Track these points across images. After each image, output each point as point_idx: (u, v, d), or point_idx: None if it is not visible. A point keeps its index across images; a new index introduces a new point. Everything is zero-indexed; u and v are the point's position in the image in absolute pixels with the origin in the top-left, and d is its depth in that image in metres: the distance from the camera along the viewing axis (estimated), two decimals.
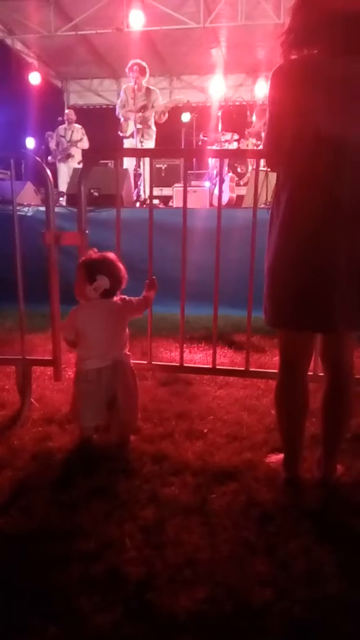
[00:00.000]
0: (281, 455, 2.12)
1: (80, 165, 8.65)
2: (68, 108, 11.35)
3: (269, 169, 2.51)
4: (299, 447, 2.06)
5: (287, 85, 1.75)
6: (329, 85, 1.68)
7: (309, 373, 2.14)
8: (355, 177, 1.71)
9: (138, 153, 6.84)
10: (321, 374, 2.11)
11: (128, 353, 2.39)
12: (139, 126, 7.06)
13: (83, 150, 9.18)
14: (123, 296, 2.39)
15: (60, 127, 9.16)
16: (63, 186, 8.23)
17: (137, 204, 6.80)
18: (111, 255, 2.34)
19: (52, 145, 9.17)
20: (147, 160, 6.87)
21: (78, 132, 9.14)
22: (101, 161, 7.13)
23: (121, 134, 7.38)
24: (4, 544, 1.69)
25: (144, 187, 7.13)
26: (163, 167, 8.45)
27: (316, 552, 1.65)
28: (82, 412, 2.33)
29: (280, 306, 1.88)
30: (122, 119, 7.31)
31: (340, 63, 1.68)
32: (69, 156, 9.04)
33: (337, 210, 1.73)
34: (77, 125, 9.16)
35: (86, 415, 2.33)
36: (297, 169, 1.78)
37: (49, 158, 9.10)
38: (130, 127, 7.17)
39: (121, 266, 2.33)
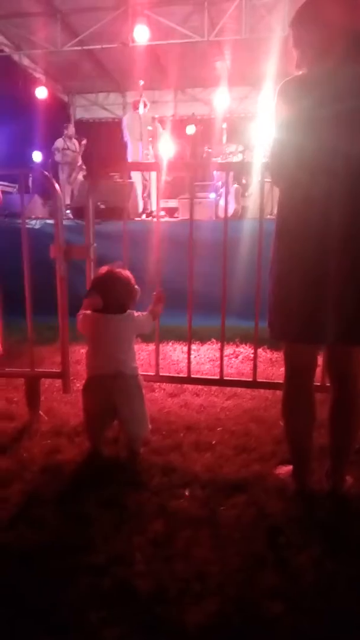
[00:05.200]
0: (290, 467, 2.12)
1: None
2: (74, 123, 11.52)
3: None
4: (307, 459, 2.05)
5: (292, 101, 1.76)
6: (336, 97, 1.69)
7: (317, 384, 2.14)
8: (358, 192, 1.71)
9: (143, 167, 6.91)
10: (329, 385, 2.10)
11: (135, 366, 2.38)
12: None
13: (88, 164, 9.31)
14: (131, 311, 2.39)
15: (60, 140, 9.24)
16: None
17: (144, 216, 6.85)
18: (119, 273, 2.31)
19: (58, 157, 9.25)
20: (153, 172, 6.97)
21: (76, 145, 9.27)
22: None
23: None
24: (13, 557, 1.69)
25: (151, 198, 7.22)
26: (169, 179, 8.50)
27: (326, 564, 1.64)
28: (86, 421, 2.35)
29: (283, 319, 1.89)
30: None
31: (350, 74, 1.69)
32: (80, 168, 9.14)
33: (340, 225, 1.73)
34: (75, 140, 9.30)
35: (88, 422, 2.35)
36: (299, 188, 1.79)
37: (60, 175, 9.17)
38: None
39: (127, 286, 2.30)
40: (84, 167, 9.24)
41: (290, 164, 1.80)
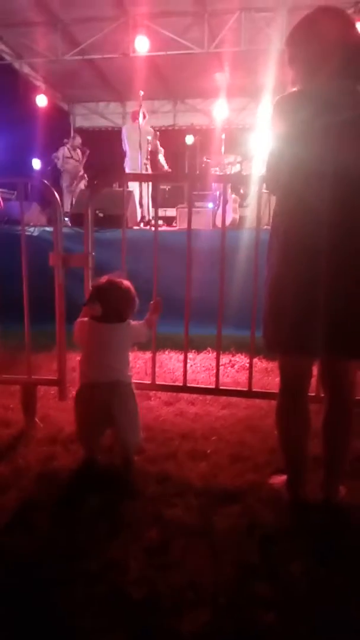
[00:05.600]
0: (284, 477, 2.12)
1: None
2: (74, 131, 11.60)
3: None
4: (301, 469, 2.06)
5: (287, 115, 1.82)
6: (328, 110, 1.74)
7: (311, 394, 2.15)
8: (348, 203, 1.74)
9: (143, 178, 6.96)
10: (323, 395, 2.12)
11: (129, 374, 2.39)
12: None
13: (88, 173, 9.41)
14: (128, 320, 2.40)
15: (63, 148, 9.32)
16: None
17: (142, 225, 6.89)
18: (119, 282, 2.32)
19: (60, 165, 9.31)
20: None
21: (80, 155, 9.36)
22: None
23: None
24: (7, 563, 1.70)
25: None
26: (167, 189, 8.56)
27: (319, 574, 1.64)
28: (80, 428, 2.36)
29: (276, 331, 1.90)
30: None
31: (341, 88, 1.75)
32: (82, 177, 9.22)
33: (332, 234, 1.75)
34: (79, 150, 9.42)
35: (82, 431, 2.36)
36: (293, 194, 1.82)
37: (62, 183, 9.23)
38: None
39: (126, 295, 2.31)
40: (85, 176, 9.31)
41: (285, 174, 1.84)
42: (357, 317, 1.79)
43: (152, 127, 8.35)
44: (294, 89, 1.86)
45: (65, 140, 9.61)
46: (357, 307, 1.79)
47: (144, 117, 7.98)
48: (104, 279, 2.35)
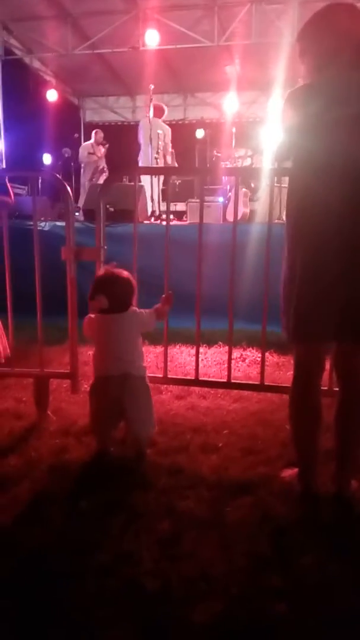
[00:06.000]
0: (296, 470, 2.13)
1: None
2: (84, 125, 11.62)
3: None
4: (313, 461, 2.06)
5: (299, 107, 1.85)
6: (339, 102, 1.76)
7: (324, 388, 2.15)
8: (358, 194, 1.76)
9: (156, 171, 6.97)
10: (336, 389, 2.12)
11: (143, 366, 2.41)
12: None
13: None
14: (133, 308, 2.42)
15: (88, 144, 9.39)
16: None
17: (152, 219, 6.89)
18: (119, 272, 2.35)
19: (83, 160, 9.34)
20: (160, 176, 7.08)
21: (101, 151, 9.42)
22: None
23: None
24: (21, 555, 1.71)
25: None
26: (177, 183, 8.54)
27: (331, 566, 1.65)
28: (93, 421, 2.38)
29: (295, 321, 1.91)
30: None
31: (352, 80, 1.76)
32: (102, 171, 9.26)
33: (343, 228, 1.78)
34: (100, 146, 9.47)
35: (95, 423, 2.38)
36: (303, 186, 1.85)
37: (82, 178, 9.28)
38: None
39: (128, 284, 2.33)
40: (106, 170, 9.33)
41: (295, 167, 1.89)
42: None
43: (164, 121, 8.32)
44: (305, 83, 1.89)
45: (76, 134, 9.64)
46: None
47: (162, 112, 7.98)
48: (102, 271, 2.38)
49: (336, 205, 1.77)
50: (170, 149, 8.21)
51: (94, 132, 9.71)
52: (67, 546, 1.75)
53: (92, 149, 9.39)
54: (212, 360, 3.88)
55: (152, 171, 6.81)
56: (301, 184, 1.87)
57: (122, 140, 9.44)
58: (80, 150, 9.54)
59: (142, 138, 8.05)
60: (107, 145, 9.49)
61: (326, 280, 1.81)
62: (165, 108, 8.26)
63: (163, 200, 7.45)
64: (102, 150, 9.48)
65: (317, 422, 2.02)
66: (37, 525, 1.87)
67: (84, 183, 9.30)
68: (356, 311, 1.82)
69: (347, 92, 1.76)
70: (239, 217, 6.33)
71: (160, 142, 7.72)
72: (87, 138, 12.16)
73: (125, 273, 2.36)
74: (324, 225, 1.80)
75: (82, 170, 9.52)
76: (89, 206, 6.14)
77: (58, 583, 1.58)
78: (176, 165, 8.39)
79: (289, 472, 2.18)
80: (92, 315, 2.36)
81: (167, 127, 8.25)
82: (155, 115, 7.89)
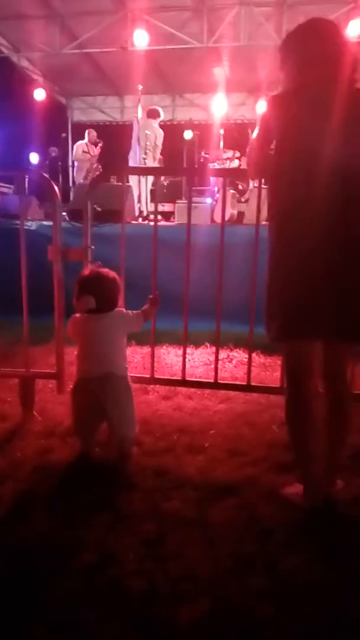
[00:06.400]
0: (299, 486, 2.04)
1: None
2: (71, 125, 11.55)
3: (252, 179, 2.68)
4: (317, 467, 1.98)
5: (285, 107, 1.92)
6: (316, 106, 1.86)
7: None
8: (342, 191, 1.80)
9: (143, 171, 6.96)
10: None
11: (125, 366, 2.40)
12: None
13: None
14: (120, 309, 2.41)
15: (82, 144, 9.31)
16: None
17: (140, 220, 6.88)
18: (104, 271, 2.35)
19: (77, 159, 9.30)
20: (148, 177, 7.06)
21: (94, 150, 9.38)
22: None
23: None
24: (6, 555, 1.70)
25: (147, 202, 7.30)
26: (165, 184, 8.54)
27: (316, 567, 1.65)
28: (75, 421, 2.37)
29: (282, 319, 1.92)
30: None
31: (322, 90, 1.87)
32: (97, 170, 9.21)
33: (331, 217, 1.80)
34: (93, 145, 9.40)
35: (78, 425, 2.36)
36: (286, 184, 1.89)
37: (76, 177, 9.23)
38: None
39: (114, 283, 2.33)
40: (100, 168, 9.27)
41: (276, 165, 1.94)
42: (355, 299, 1.83)
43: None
44: (286, 89, 1.99)
45: (64, 134, 9.59)
46: (354, 290, 1.83)
47: (155, 114, 7.96)
48: (86, 271, 2.37)
49: (321, 205, 1.80)
50: (159, 154, 8.17)
51: (87, 131, 9.58)
52: (52, 546, 1.74)
53: (86, 147, 9.31)
54: (198, 361, 3.88)
55: (139, 171, 6.80)
56: (285, 183, 1.90)
57: (109, 141, 9.40)
58: (75, 148, 9.46)
59: (133, 138, 8.04)
60: (101, 144, 9.39)
61: (312, 278, 1.83)
62: (161, 111, 8.18)
63: (151, 201, 7.44)
64: (95, 149, 9.38)
65: (315, 426, 1.98)
66: (21, 525, 1.85)
67: (78, 182, 9.24)
68: (343, 308, 1.83)
69: (320, 98, 1.86)
70: (226, 219, 6.36)
71: (148, 143, 7.70)
72: (75, 137, 12.11)
73: (110, 273, 2.35)
74: (309, 224, 1.82)
75: (75, 169, 9.46)
76: (75, 206, 6.11)
77: (43, 583, 1.57)
78: None
79: (292, 490, 2.08)
80: (78, 315, 2.35)
81: (160, 130, 8.17)
82: (148, 117, 7.87)
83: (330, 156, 1.80)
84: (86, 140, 9.37)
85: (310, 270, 1.83)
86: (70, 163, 11.45)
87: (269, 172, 2.01)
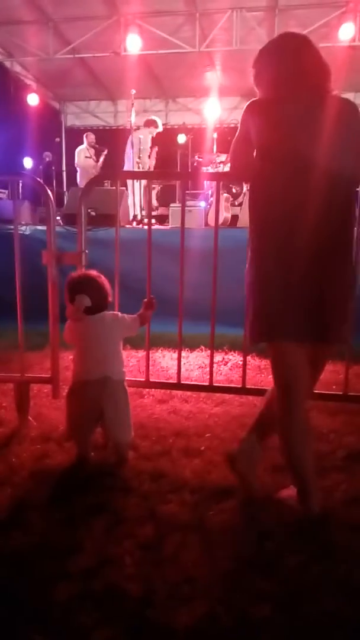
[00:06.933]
0: (294, 490, 2.01)
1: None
2: (65, 130, 11.51)
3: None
4: (313, 474, 1.98)
5: (257, 115, 1.98)
6: (288, 115, 1.93)
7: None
8: (315, 193, 1.84)
9: (137, 175, 6.98)
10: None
11: (123, 370, 2.40)
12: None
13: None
14: (116, 313, 2.42)
15: (83, 148, 9.26)
16: None
17: (134, 223, 6.89)
18: (92, 272, 2.40)
19: (79, 163, 9.25)
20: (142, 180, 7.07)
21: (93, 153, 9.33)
22: None
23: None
24: (3, 559, 1.70)
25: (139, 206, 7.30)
26: (159, 187, 8.56)
27: (314, 568, 1.66)
28: (70, 425, 2.36)
29: (265, 320, 1.95)
30: None
31: (301, 99, 1.93)
32: None
33: (310, 221, 1.84)
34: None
35: (73, 428, 2.36)
36: (270, 187, 1.94)
37: (79, 181, 9.16)
38: None
39: (104, 282, 2.37)
40: None
41: (264, 169, 1.96)
42: (331, 302, 1.88)
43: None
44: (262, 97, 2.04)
45: (57, 139, 9.55)
46: (331, 293, 1.88)
47: (152, 124, 7.97)
48: (75, 274, 2.41)
49: (301, 208, 1.85)
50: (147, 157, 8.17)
51: (85, 135, 9.46)
52: (49, 550, 1.73)
53: (87, 152, 9.22)
54: (194, 364, 3.89)
55: (134, 175, 6.82)
56: (266, 186, 1.95)
57: (103, 145, 9.39)
58: (76, 154, 9.28)
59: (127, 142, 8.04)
60: (105, 152, 9.20)
61: (291, 279, 1.86)
62: (159, 122, 8.18)
63: (146, 205, 7.44)
64: (100, 154, 9.25)
65: (310, 440, 1.99)
66: (18, 530, 1.85)
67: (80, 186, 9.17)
68: (318, 310, 1.87)
69: (292, 109, 1.92)
70: (220, 222, 6.37)
71: (141, 147, 7.72)
72: (69, 142, 12.10)
73: (98, 274, 2.39)
74: (293, 222, 1.86)
75: (79, 175, 9.30)
76: (69, 210, 6.11)
77: (40, 587, 1.56)
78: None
79: (287, 492, 2.07)
80: (73, 321, 2.35)
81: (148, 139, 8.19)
82: (145, 126, 7.91)
83: (313, 162, 1.84)
84: (86, 144, 9.26)
85: (286, 272, 1.87)
86: (64, 168, 11.42)
87: (250, 175, 2.05)
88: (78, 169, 9.35)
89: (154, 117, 8.29)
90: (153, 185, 7.71)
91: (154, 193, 8.00)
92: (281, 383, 1.99)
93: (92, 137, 9.37)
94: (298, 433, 1.95)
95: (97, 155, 9.22)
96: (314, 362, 1.99)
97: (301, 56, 1.97)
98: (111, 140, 9.04)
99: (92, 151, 9.23)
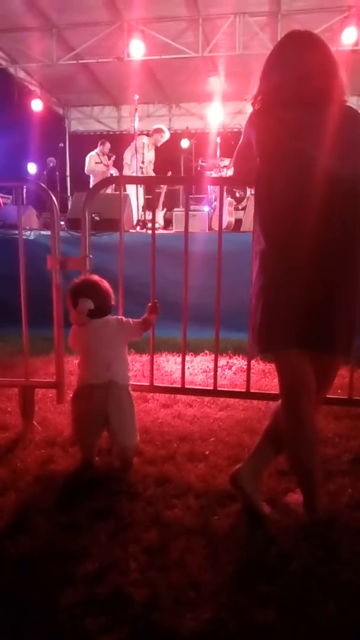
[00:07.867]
0: (299, 495, 2.03)
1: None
2: (68, 135, 11.54)
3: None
4: (318, 481, 1.98)
5: (260, 123, 2.01)
6: (289, 126, 1.93)
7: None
8: (325, 198, 1.84)
9: (141, 181, 7.00)
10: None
11: (128, 375, 2.41)
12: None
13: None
14: (120, 317, 2.43)
15: (94, 155, 9.28)
16: None
17: (138, 228, 6.91)
18: (94, 277, 2.42)
19: (89, 169, 9.29)
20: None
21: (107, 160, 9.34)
22: None
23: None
24: (9, 564, 1.70)
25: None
26: (163, 192, 8.58)
27: (318, 572, 1.65)
28: (76, 430, 2.37)
29: (273, 329, 1.93)
30: None
31: (295, 115, 1.92)
32: None
33: (316, 228, 1.84)
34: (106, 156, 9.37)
35: (79, 432, 2.36)
36: (272, 193, 1.95)
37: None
38: None
39: (106, 285, 2.39)
40: None
41: (269, 181, 1.97)
42: (337, 311, 1.86)
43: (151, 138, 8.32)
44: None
45: (61, 144, 9.56)
46: (338, 301, 1.86)
47: (159, 132, 8.01)
48: (78, 279, 2.43)
49: (308, 208, 1.84)
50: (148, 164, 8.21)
51: (100, 142, 9.44)
52: (54, 555, 1.73)
53: (98, 158, 9.22)
54: (198, 369, 3.89)
55: (137, 181, 6.84)
56: (268, 189, 1.97)
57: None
58: (87, 160, 9.28)
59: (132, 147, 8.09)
60: (113, 157, 9.22)
61: (295, 287, 1.86)
62: (166, 132, 8.24)
63: (149, 209, 7.47)
64: (107, 160, 9.26)
65: (317, 446, 1.99)
66: (23, 535, 1.85)
67: None
68: (324, 319, 1.86)
69: (293, 120, 1.91)
70: (224, 226, 6.38)
71: (143, 151, 7.75)
72: (73, 147, 12.16)
73: (100, 278, 2.41)
74: (299, 228, 1.86)
75: (90, 180, 9.31)
76: (73, 215, 6.13)
77: (46, 592, 1.57)
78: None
79: (293, 497, 2.08)
80: (77, 326, 2.36)
81: (151, 143, 8.24)
82: (153, 133, 7.97)
83: (318, 168, 1.83)
84: (97, 150, 9.24)
85: (294, 280, 1.87)
86: (68, 173, 11.43)
87: (253, 179, 2.06)
88: (91, 175, 9.34)
89: (161, 126, 8.32)
90: (157, 190, 7.72)
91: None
92: (287, 390, 1.98)
93: (108, 145, 9.33)
94: (304, 441, 1.94)
95: (109, 160, 9.27)
96: (322, 372, 1.97)
97: (304, 57, 1.95)
98: (115, 146, 9.04)
99: (105, 158, 9.25)
